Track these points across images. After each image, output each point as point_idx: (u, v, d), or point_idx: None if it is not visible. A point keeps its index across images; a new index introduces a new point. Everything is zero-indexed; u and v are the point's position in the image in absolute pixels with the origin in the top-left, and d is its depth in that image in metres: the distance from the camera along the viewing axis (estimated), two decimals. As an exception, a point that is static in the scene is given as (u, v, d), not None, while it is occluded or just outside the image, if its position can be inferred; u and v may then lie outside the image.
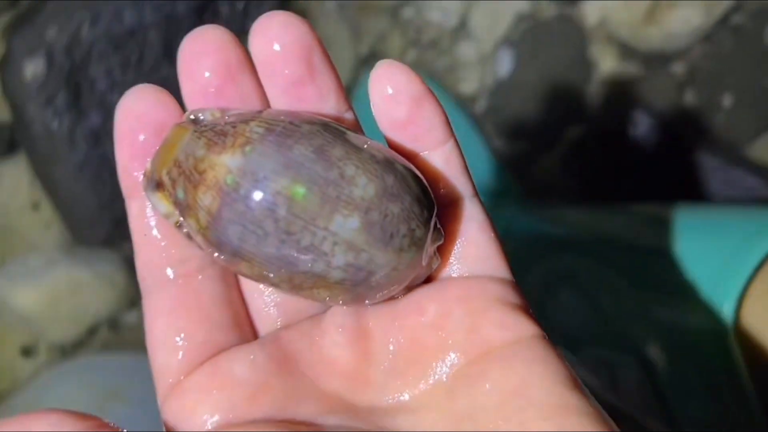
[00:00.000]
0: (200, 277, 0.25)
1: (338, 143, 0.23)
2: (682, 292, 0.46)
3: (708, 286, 0.44)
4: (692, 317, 0.45)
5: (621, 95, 0.72)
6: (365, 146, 0.24)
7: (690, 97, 0.72)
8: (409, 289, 0.25)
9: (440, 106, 0.26)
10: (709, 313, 0.44)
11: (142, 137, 0.24)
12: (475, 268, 0.25)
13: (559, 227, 0.57)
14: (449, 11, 0.71)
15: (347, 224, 0.22)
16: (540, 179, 0.73)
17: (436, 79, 0.72)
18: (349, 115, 0.26)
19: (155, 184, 0.24)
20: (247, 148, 0.23)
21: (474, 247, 0.25)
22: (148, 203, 0.25)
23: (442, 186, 0.25)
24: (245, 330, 0.25)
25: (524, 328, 0.24)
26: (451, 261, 0.25)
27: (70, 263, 0.68)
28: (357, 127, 0.26)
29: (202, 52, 0.24)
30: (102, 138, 0.55)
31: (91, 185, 0.56)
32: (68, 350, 0.73)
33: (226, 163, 0.23)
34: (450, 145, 0.25)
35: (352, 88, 0.71)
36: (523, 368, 0.22)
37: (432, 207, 0.24)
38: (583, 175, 0.71)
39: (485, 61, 0.72)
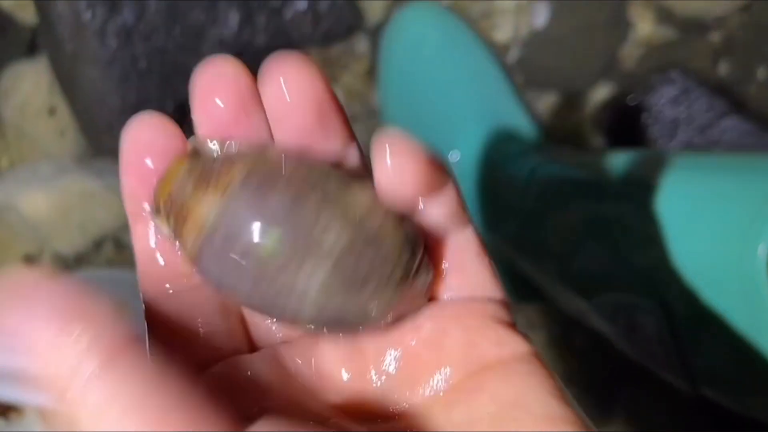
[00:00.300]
0: (199, 290, 0.26)
1: (319, 191, 0.24)
2: (712, 234, 0.45)
3: (741, 228, 0.43)
4: (721, 261, 0.44)
5: (655, 59, 0.71)
6: (350, 192, 0.24)
7: (724, 67, 0.71)
8: (398, 319, 0.25)
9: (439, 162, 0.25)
10: (740, 256, 0.43)
11: (148, 164, 0.25)
12: (470, 291, 0.26)
13: (584, 172, 0.56)
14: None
15: (317, 273, 0.23)
16: (566, 135, 0.72)
17: (470, 23, 0.71)
18: (353, 154, 0.26)
19: (157, 210, 0.25)
20: (228, 191, 0.24)
21: (470, 274, 0.26)
22: (151, 225, 0.26)
23: (436, 220, 0.26)
24: (243, 342, 0.26)
25: (519, 345, 0.25)
26: (448, 286, 0.26)
27: (82, 173, 0.67)
28: (360, 165, 0.26)
29: (216, 82, 0.25)
30: (133, 36, 0.54)
31: (117, 86, 0.54)
32: (71, 264, 0.71)
33: (207, 204, 0.24)
34: (450, 186, 0.25)
35: (382, 26, 0.69)
36: (519, 382, 0.24)
37: (417, 249, 0.25)
38: (610, 135, 0.70)
39: (521, 11, 0.71)
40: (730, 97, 0.65)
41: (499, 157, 0.62)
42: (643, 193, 0.49)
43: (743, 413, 0.48)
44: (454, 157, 0.64)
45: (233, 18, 0.59)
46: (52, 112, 0.67)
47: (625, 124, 0.66)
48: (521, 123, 0.66)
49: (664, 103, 0.63)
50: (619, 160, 0.54)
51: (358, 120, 0.72)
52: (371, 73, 0.70)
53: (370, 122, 0.71)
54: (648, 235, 0.48)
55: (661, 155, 0.53)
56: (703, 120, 0.62)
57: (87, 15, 0.50)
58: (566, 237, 0.55)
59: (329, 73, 0.71)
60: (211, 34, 0.58)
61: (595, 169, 0.55)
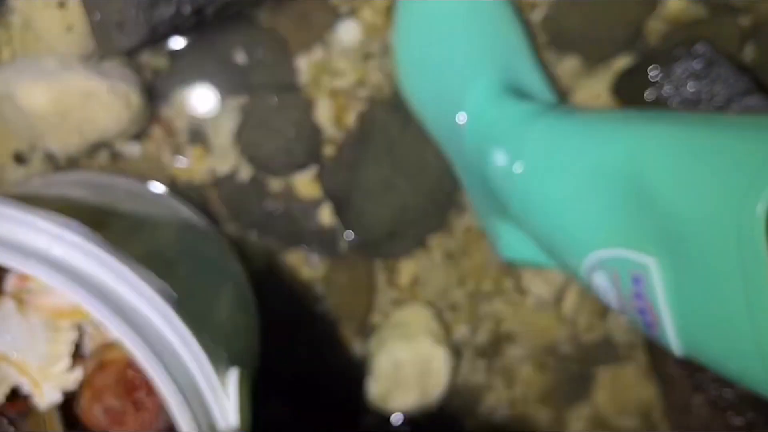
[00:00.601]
0: None
1: None
2: (711, 191, 0.43)
3: (740, 187, 0.41)
4: (719, 220, 0.43)
5: (682, 35, 0.70)
6: None
7: (749, 51, 0.70)
8: None
9: None
10: (738, 214, 0.41)
11: None
12: None
13: (586, 128, 0.55)
14: None
15: None
16: (583, 101, 0.71)
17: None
18: None
19: None
20: None
21: None
22: None
23: None
24: None
25: None
26: None
27: (86, 72, 0.65)
28: None
29: None
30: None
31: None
32: (63, 166, 0.69)
33: None
34: None
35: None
36: None
37: None
38: (628, 106, 0.69)
39: (554, -31, 0.70)
40: (754, 77, 0.64)
41: (505, 121, 0.60)
42: (646, 146, 0.48)
43: (722, 376, 0.47)
44: (461, 119, 0.63)
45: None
46: (61, 5, 0.64)
47: (645, 95, 0.65)
48: (535, 85, 0.65)
49: (688, 76, 0.62)
50: (621, 117, 0.53)
51: (373, 57, 0.70)
52: (391, 9, 0.68)
53: (383, 60, 0.69)
54: (646, 190, 0.47)
55: (662, 112, 0.52)
56: (724, 96, 0.61)
57: None
58: (566, 191, 0.54)
59: (352, 12, 0.69)
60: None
61: (598, 125, 0.54)
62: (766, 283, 0.40)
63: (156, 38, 0.60)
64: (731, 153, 0.42)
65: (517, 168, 0.57)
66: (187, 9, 0.56)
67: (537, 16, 0.70)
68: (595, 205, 0.52)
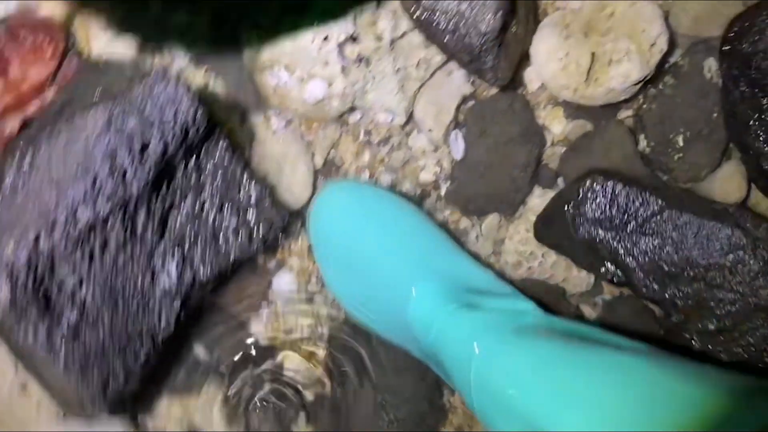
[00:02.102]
0: None
1: None
2: None
3: None
4: None
5: (579, 152, 0.72)
6: None
7: (644, 141, 0.72)
8: None
9: None
10: None
11: None
12: None
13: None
14: (393, 109, 0.71)
15: None
16: (517, 249, 0.73)
17: (394, 171, 0.72)
18: None
19: None
20: None
21: None
22: None
23: None
24: None
25: None
26: None
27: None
28: None
29: None
30: (80, 331, 0.55)
31: (78, 378, 0.55)
32: None
33: None
34: None
35: (310, 203, 0.71)
36: None
37: None
38: (559, 248, 0.71)
39: (439, 148, 0.73)
40: (659, 188, 0.67)
41: (448, 315, 0.62)
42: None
43: None
44: (410, 322, 0.65)
45: (170, 266, 0.59)
46: (23, 387, 0.67)
47: (569, 232, 0.68)
48: (464, 267, 0.67)
49: (599, 215, 0.65)
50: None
51: (316, 294, 0.73)
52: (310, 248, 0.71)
53: (324, 293, 0.72)
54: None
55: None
56: (640, 219, 0.64)
57: (29, 338, 0.50)
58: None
59: (280, 265, 0.72)
60: (156, 292, 0.59)
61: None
62: None
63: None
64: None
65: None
66: (134, 378, 0.59)
67: (444, 191, 0.73)
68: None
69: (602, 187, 0.65)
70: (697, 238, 0.62)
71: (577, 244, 0.67)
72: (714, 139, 0.71)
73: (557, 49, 0.69)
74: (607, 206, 0.65)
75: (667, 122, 0.72)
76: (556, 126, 0.73)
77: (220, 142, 0.64)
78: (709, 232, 0.61)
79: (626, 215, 0.64)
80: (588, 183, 0.66)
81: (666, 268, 0.63)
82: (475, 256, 0.73)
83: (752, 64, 0.65)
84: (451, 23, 0.64)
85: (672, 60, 0.72)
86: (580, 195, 0.66)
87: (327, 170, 0.73)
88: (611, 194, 0.65)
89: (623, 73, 0.68)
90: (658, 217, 0.63)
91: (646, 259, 0.64)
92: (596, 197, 0.65)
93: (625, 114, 0.73)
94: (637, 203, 0.64)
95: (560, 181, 0.73)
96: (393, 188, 0.73)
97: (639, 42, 0.68)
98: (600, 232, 0.66)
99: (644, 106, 0.72)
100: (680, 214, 0.63)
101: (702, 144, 0.71)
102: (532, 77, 0.72)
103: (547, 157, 0.73)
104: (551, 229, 0.69)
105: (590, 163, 0.72)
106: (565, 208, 0.66)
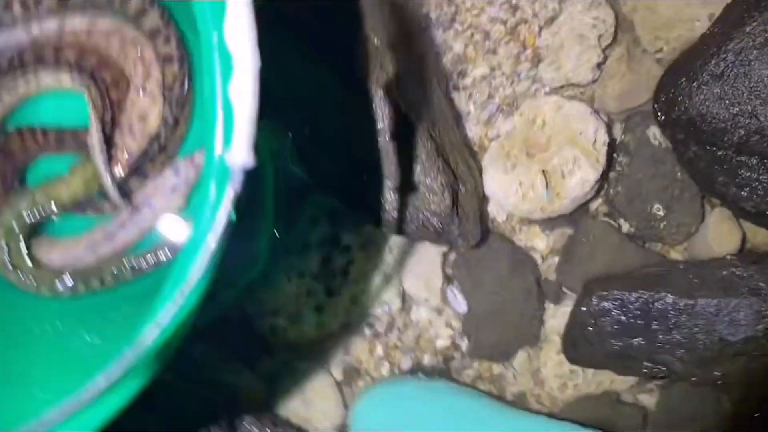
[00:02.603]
0: None
1: None
2: None
3: None
4: None
5: (570, 260, 0.73)
6: None
7: (626, 225, 0.73)
8: None
9: None
10: None
11: None
12: None
13: None
14: (386, 301, 0.72)
15: None
16: (553, 375, 0.73)
17: (407, 351, 0.73)
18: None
19: None
20: None
21: None
22: None
23: None
24: None
25: None
26: None
27: None
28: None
29: None
30: None
31: None
32: None
33: None
34: None
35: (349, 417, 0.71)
36: None
37: None
38: (587, 359, 0.71)
39: (442, 310, 0.73)
40: (660, 275, 0.67)
41: None
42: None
43: None
44: None
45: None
46: None
47: (597, 349, 0.68)
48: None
49: (616, 326, 0.65)
50: None
51: None
52: None
53: None
54: None
55: None
56: (658, 314, 0.64)
57: None
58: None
59: None
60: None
61: None
62: None
63: None
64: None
65: None
66: None
67: (464, 348, 0.73)
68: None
69: (608, 301, 0.65)
70: (720, 317, 0.62)
71: (611, 357, 0.67)
72: (688, 196, 0.72)
73: (509, 183, 0.70)
74: (622, 317, 0.65)
75: (638, 198, 0.72)
76: (539, 243, 0.74)
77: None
78: (730, 309, 0.61)
79: (644, 316, 0.65)
80: (594, 302, 0.66)
81: (704, 353, 0.63)
82: (521, 395, 0.73)
83: (693, 127, 0.66)
84: (411, 216, 0.65)
85: (617, 139, 0.73)
86: (592, 316, 0.66)
87: (349, 379, 0.73)
88: (620, 304, 0.65)
89: (579, 181, 0.69)
90: (672, 311, 0.63)
91: (682, 350, 0.64)
92: (608, 313, 0.65)
93: (596, 205, 0.74)
94: (648, 302, 0.64)
95: (565, 289, 0.73)
96: (417, 370, 0.73)
97: (581, 145, 0.69)
98: (626, 339, 0.66)
99: (611, 191, 0.73)
100: (693, 302, 0.63)
101: (679, 204, 0.72)
102: (496, 211, 0.73)
103: (544, 271, 0.74)
104: (579, 351, 0.69)
105: (585, 265, 0.72)
106: (584, 333, 0.66)
